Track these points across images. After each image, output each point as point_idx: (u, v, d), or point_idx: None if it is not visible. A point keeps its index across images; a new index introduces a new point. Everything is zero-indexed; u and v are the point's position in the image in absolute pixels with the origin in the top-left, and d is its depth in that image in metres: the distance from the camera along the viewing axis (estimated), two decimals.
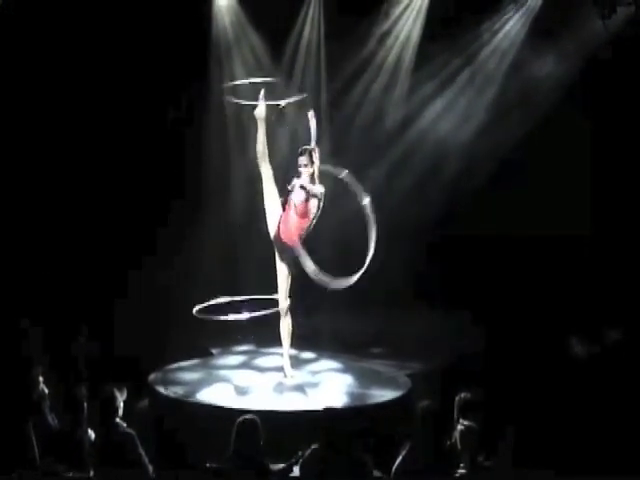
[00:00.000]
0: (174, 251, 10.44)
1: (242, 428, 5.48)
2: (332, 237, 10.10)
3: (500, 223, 10.22)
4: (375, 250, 7.16)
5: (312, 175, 7.76)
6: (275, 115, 8.18)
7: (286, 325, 8.08)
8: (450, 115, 10.96)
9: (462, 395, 6.22)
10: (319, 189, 7.69)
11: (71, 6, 9.74)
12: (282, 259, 7.95)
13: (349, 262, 10.51)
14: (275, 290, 8.02)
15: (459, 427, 5.85)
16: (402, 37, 10.76)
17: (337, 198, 8.44)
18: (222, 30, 10.66)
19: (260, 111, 7.95)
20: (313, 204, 7.76)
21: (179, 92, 10.45)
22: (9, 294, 9.37)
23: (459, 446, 5.75)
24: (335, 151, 7.85)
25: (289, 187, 7.84)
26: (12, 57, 9.71)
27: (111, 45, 9.98)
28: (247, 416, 5.59)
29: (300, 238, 7.84)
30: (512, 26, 10.46)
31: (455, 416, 6.18)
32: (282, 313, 8.04)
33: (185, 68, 10.21)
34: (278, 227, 7.91)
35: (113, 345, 8.90)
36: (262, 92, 7.97)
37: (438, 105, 10.97)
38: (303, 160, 7.79)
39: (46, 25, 9.70)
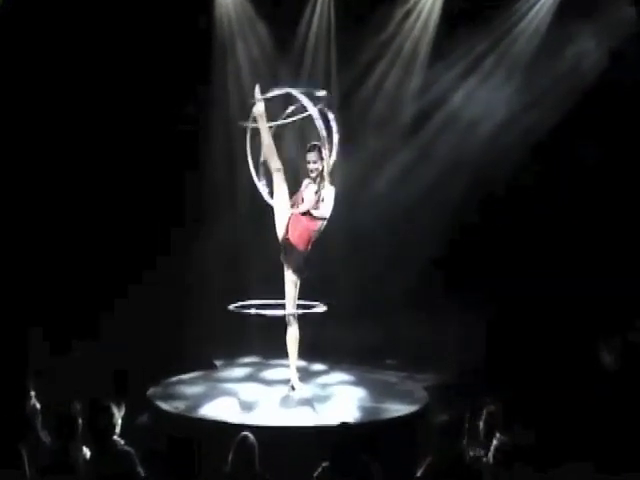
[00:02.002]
0: (183, 253, 10.51)
1: (238, 446, 5.61)
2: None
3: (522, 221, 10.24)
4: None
5: (322, 172, 7.77)
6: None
7: (293, 334, 8.05)
8: (476, 100, 10.89)
9: (490, 407, 6.25)
10: (329, 191, 7.70)
11: (72, 5, 9.81)
12: (289, 262, 7.92)
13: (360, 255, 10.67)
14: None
15: (495, 442, 5.93)
16: (422, 20, 10.65)
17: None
18: (226, 19, 10.63)
19: (259, 108, 7.94)
20: (323, 207, 7.75)
21: (182, 89, 10.43)
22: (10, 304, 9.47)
23: (491, 461, 5.82)
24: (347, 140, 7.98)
25: (292, 205, 7.85)
26: (15, 60, 9.75)
27: (112, 39, 9.99)
28: (243, 434, 5.69)
29: (309, 241, 7.88)
30: (540, 7, 10.42)
31: (481, 430, 6.20)
32: (288, 322, 7.99)
33: (188, 62, 10.22)
34: (287, 229, 7.90)
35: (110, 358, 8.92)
36: (257, 88, 7.97)
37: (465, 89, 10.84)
38: (312, 157, 7.81)
39: (47, 28, 9.75)
